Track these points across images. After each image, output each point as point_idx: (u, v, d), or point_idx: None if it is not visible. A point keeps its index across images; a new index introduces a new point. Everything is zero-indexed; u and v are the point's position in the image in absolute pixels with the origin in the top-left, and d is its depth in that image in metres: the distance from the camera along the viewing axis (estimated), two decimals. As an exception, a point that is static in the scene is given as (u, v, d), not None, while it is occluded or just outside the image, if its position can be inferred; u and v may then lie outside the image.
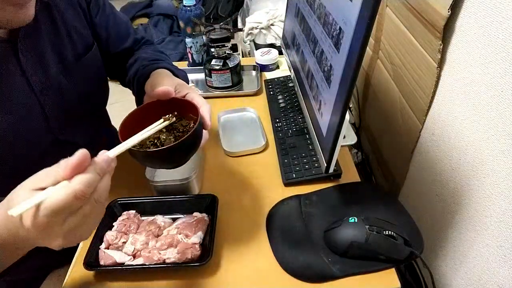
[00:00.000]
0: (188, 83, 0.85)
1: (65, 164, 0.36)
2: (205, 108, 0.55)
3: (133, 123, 0.52)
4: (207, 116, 0.54)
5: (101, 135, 0.84)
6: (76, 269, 0.58)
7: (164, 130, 0.54)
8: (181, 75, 0.74)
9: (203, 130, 0.54)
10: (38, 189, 0.36)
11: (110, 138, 0.88)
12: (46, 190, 0.36)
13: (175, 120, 0.55)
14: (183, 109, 0.55)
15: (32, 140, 0.62)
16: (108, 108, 0.86)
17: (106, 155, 0.40)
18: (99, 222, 0.41)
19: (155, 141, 0.53)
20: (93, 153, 0.88)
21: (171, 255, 0.56)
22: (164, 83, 0.59)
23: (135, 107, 0.96)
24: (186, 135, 0.49)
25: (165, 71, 0.69)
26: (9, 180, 0.39)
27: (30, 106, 0.60)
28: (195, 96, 0.57)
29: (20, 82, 0.58)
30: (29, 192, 0.36)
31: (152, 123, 0.52)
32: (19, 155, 0.60)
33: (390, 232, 0.54)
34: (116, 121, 0.92)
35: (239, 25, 2.18)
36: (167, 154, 0.49)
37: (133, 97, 0.80)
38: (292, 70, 0.90)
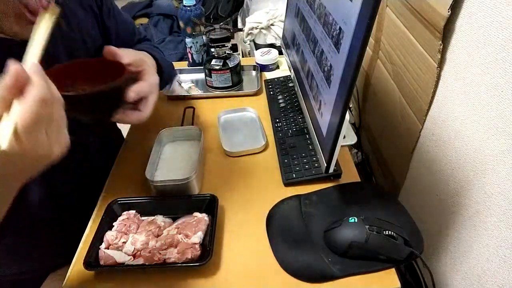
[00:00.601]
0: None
1: (7, 86, 0.36)
2: (144, 84, 0.56)
3: (68, 69, 0.54)
4: (139, 92, 0.56)
5: (110, 136, 0.85)
6: (76, 269, 0.58)
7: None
8: (166, 64, 0.74)
9: (141, 112, 0.57)
10: None
11: (119, 139, 0.88)
12: (10, 113, 0.36)
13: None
14: (115, 71, 0.56)
15: None
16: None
17: (34, 64, 0.39)
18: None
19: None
20: (106, 155, 0.88)
21: (171, 255, 0.56)
22: (125, 52, 0.59)
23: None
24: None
25: (143, 52, 0.68)
26: None
27: None
28: (147, 74, 0.59)
29: None
30: None
31: (89, 77, 0.54)
32: None
33: (390, 232, 0.54)
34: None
35: (239, 25, 2.18)
36: (77, 100, 0.50)
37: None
38: (292, 70, 0.90)
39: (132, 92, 0.55)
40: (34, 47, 0.44)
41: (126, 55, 0.57)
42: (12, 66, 0.36)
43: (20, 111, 0.36)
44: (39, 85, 0.37)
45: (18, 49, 0.54)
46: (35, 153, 0.38)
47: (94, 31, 0.70)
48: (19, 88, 0.36)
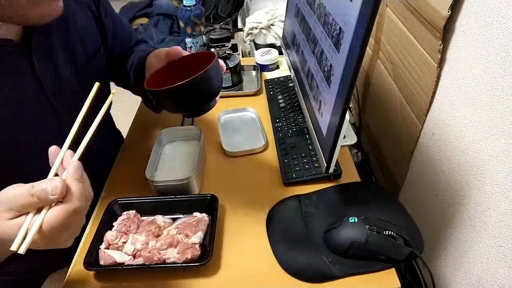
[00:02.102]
0: None
1: (47, 200, 0.35)
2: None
3: (157, 80, 0.55)
4: (223, 66, 0.57)
5: (110, 138, 0.85)
6: (76, 269, 0.58)
7: None
8: None
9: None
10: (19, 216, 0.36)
11: (117, 140, 0.88)
12: (40, 214, 0.36)
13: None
14: (197, 62, 0.56)
15: (45, 145, 0.61)
16: (108, 108, 0.86)
17: (76, 162, 0.39)
18: None
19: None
20: (107, 155, 0.88)
21: (171, 255, 0.56)
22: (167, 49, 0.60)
23: (136, 107, 0.97)
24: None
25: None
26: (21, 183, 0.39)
27: (43, 110, 0.59)
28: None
29: (33, 86, 0.57)
30: (13, 224, 0.36)
31: (172, 82, 0.51)
32: (32, 158, 0.59)
33: (390, 232, 0.54)
34: (117, 121, 0.92)
35: (239, 25, 2.18)
36: (178, 92, 0.50)
37: (133, 98, 0.80)
38: (292, 70, 0.90)
39: (224, 66, 0.57)
40: (88, 135, 0.43)
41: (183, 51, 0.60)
42: (56, 180, 0.36)
43: (51, 216, 0.35)
44: (76, 198, 0.36)
45: (17, 53, 0.54)
46: (49, 246, 0.38)
47: (92, 30, 0.70)
48: (57, 200, 0.36)
